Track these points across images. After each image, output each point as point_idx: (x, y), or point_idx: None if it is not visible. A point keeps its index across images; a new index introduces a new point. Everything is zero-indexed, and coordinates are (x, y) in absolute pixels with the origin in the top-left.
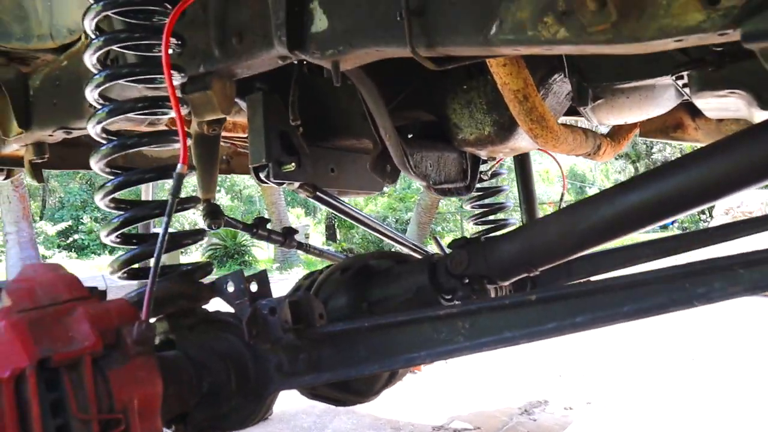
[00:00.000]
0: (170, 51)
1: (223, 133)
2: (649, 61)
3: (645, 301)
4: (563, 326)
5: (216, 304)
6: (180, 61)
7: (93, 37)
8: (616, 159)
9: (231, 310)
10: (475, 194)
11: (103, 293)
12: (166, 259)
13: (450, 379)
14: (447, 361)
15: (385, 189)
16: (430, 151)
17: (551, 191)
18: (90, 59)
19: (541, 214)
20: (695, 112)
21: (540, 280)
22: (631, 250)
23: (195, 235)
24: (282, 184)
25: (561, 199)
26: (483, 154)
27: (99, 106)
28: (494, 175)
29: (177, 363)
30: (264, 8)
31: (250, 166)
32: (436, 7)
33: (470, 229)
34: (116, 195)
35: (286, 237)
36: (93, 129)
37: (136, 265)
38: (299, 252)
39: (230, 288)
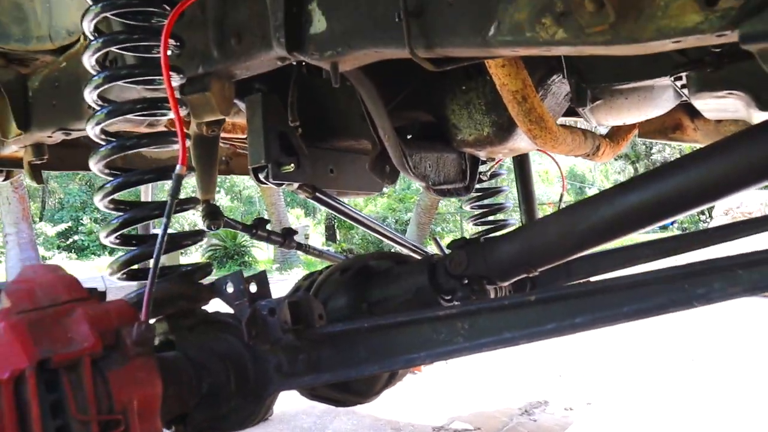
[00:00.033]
0: (169, 52)
1: (223, 134)
2: (647, 62)
3: (645, 301)
4: (563, 327)
5: (216, 305)
6: (179, 62)
7: (92, 38)
8: (616, 159)
9: (230, 310)
10: (475, 195)
11: (103, 294)
12: (165, 259)
13: (450, 380)
14: (447, 362)
15: (385, 190)
16: (429, 152)
17: (550, 192)
18: (89, 60)
19: (540, 214)
20: (694, 113)
21: (539, 281)
22: (631, 250)
23: (194, 236)
24: (281, 184)
25: (560, 200)
26: (482, 154)
27: (98, 108)
28: (493, 175)
29: (176, 364)
30: (262, 9)
31: (249, 166)
32: (435, 9)
33: (470, 229)
34: (115, 196)
35: (286, 238)
36: (92, 130)
37: (135, 266)
38: (299, 253)
39: (230, 289)
